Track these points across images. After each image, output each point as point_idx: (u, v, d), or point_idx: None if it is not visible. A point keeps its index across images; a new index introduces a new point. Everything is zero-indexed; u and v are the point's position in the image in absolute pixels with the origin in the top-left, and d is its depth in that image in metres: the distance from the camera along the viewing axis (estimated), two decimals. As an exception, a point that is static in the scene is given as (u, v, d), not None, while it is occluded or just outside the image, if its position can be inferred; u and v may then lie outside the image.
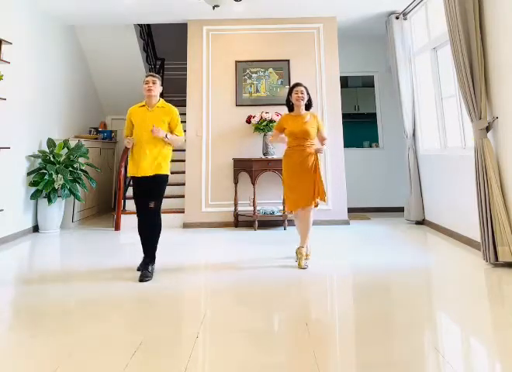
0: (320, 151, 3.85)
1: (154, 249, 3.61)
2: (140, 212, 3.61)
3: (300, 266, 3.65)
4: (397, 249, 4.33)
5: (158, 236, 3.62)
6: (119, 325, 2.54)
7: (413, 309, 2.73)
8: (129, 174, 3.68)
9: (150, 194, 3.56)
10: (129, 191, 6.11)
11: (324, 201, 3.96)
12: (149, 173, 3.52)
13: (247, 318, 2.67)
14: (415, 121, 5.78)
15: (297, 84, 3.99)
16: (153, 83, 3.60)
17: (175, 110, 3.72)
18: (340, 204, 5.73)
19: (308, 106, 3.99)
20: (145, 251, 3.60)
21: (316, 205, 3.86)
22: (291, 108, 4.02)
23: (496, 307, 2.86)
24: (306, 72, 5.97)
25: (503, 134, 3.62)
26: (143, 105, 3.67)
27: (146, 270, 3.46)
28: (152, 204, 3.54)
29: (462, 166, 4.41)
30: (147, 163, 3.52)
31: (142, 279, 3.36)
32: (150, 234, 3.60)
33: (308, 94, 3.96)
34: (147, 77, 3.67)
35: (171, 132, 3.65)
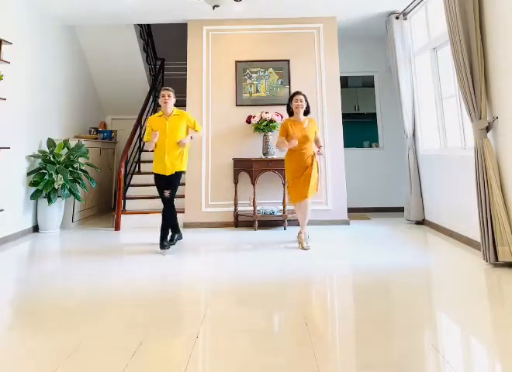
0: (320, 153, 4.40)
1: (176, 224, 4.57)
2: (163, 198, 4.39)
3: (303, 248, 4.30)
4: (397, 249, 4.33)
5: (175, 217, 4.55)
6: (119, 325, 2.53)
7: (413, 309, 2.73)
8: (154, 171, 4.41)
9: (169, 185, 4.36)
10: (129, 191, 6.13)
11: (316, 190, 4.49)
12: (172, 172, 4.32)
13: (247, 318, 2.67)
14: (415, 121, 5.78)
15: (297, 93, 4.50)
16: (169, 96, 4.33)
17: (188, 113, 4.55)
18: (340, 204, 5.73)
19: (306, 112, 4.52)
20: (172, 229, 4.52)
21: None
22: (291, 113, 4.54)
23: (496, 307, 2.86)
24: (306, 72, 5.97)
25: (503, 134, 3.62)
26: (161, 115, 4.39)
27: (173, 239, 4.50)
28: (168, 193, 4.33)
29: (462, 166, 4.41)
30: (170, 165, 4.29)
31: (167, 246, 4.31)
32: (170, 217, 4.44)
33: (306, 101, 4.48)
34: (162, 90, 4.38)
35: (193, 128, 4.45)
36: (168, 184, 4.34)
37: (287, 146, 4.37)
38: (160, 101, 4.37)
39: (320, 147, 4.40)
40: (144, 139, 4.60)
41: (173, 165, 4.32)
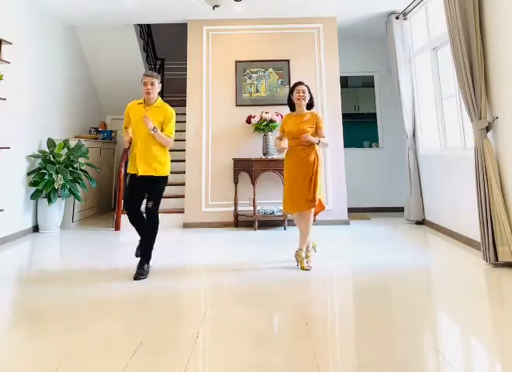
0: (311, 141, 3.63)
1: (151, 248, 3.59)
2: (131, 210, 3.57)
3: (303, 269, 3.61)
4: (397, 249, 4.33)
5: (155, 237, 3.60)
6: (119, 325, 2.53)
7: (413, 309, 2.73)
8: (128, 172, 3.65)
9: (149, 194, 3.57)
10: (129, 191, 6.12)
11: (316, 205, 3.71)
12: (149, 173, 3.50)
13: (247, 318, 2.66)
14: (415, 121, 5.78)
15: (299, 83, 3.86)
16: (152, 84, 3.52)
17: (170, 110, 3.62)
18: (340, 204, 5.72)
19: (310, 105, 3.89)
20: (141, 249, 3.59)
21: (314, 207, 3.69)
22: (292, 107, 3.92)
23: (496, 307, 2.86)
24: (306, 72, 5.97)
25: (503, 134, 3.62)
26: (141, 103, 3.62)
27: (141, 268, 3.47)
28: (150, 205, 3.54)
29: (462, 166, 4.41)
30: (146, 163, 3.50)
31: (137, 277, 3.38)
32: (147, 234, 3.58)
33: (310, 93, 3.86)
34: (144, 77, 3.56)
35: (164, 128, 3.55)
36: (149, 191, 3.55)
37: (278, 146, 3.84)
38: (142, 89, 3.54)
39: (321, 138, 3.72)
40: (123, 127, 3.76)
41: (155, 164, 3.51)
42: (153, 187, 3.56)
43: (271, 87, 6.01)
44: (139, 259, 3.57)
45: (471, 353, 2.23)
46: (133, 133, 3.56)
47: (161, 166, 3.56)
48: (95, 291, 3.14)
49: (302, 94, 3.78)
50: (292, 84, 4.10)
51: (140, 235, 3.66)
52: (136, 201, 3.57)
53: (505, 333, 2.36)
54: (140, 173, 3.49)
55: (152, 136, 3.47)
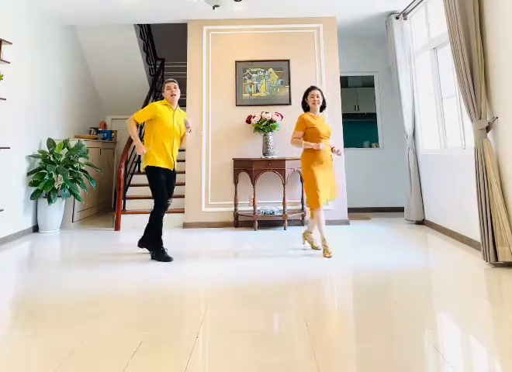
0: (339, 153, 4.15)
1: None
2: (165, 200, 4.00)
3: (328, 255, 3.98)
4: (397, 249, 4.33)
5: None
6: (119, 325, 2.53)
7: (413, 309, 2.73)
8: (157, 165, 3.92)
9: (171, 187, 4.06)
10: (129, 191, 6.13)
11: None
12: (174, 167, 4.04)
13: (247, 318, 2.67)
14: (415, 121, 5.78)
15: (313, 88, 4.20)
16: (175, 88, 4.01)
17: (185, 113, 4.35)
18: (340, 204, 5.72)
19: (322, 108, 4.24)
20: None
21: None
22: (306, 109, 4.24)
23: (496, 307, 2.86)
24: (306, 72, 5.97)
25: (503, 134, 3.62)
26: (166, 104, 4.02)
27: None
28: (170, 201, 4.07)
29: (462, 166, 4.41)
30: (174, 158, 4.00)
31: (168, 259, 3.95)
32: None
33: (322, 96, 4.20)
34: (168, 82, 4.04)
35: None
36: (171, 183, 4.04)
37: (312, 146, 3.99)
38: (167, 93, 3.99)
39: (333, 148, 4.15)
40: (137, 118, 3.98)
41: (174, 160, 4.03)
42: (174, 180, 4.10)
43: (271, 87, 6.00)
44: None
45: (471, 352, 2.23)
46: (163, 131, 3.93)
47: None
48: (95, 291, 3.14)
49: (316, 98, 4.12)
50: (306, 89, 4.30)
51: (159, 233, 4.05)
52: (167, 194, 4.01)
53: (505, 333, 2.36)
54: (172, 167, 3.99)
55: (178, 137, 4.02)
